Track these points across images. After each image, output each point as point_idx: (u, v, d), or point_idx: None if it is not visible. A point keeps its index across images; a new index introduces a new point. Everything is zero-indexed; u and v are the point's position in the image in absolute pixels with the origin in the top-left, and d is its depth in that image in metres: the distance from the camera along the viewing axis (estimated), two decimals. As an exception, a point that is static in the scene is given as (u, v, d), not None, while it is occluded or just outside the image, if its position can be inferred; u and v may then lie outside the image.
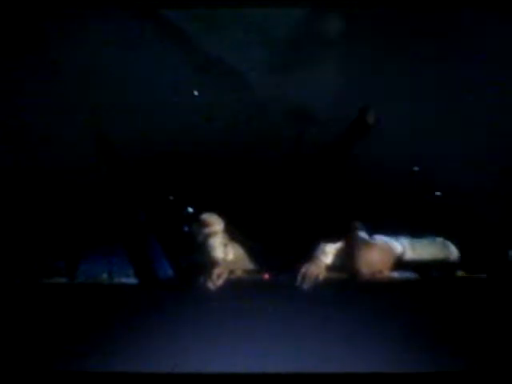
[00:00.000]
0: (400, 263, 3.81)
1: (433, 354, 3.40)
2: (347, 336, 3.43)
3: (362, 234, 3.84)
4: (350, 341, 3.42)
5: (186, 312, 3.56)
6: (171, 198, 3.98)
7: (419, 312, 3.53)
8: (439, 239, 3.89)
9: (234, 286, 3.70)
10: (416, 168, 4.04)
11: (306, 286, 3.65)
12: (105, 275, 3.89)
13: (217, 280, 3.67)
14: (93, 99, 3.98)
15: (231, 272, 3.75)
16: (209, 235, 3.86)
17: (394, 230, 3.86)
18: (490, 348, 3.44)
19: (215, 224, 3.88)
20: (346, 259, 3.76)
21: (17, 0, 3.85)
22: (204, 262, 3.79)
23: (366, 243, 3.80)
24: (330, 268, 3.74)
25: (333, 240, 3.81)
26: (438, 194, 4.04)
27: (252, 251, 3.84)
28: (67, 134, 3.98)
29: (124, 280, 3.87)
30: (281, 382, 3.38)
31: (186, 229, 3.92)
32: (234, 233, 3.82)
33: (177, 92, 3.99)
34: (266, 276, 3.61)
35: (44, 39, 3.98)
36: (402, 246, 3.83)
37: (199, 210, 3.91)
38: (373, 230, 3.87)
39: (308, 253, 3.75)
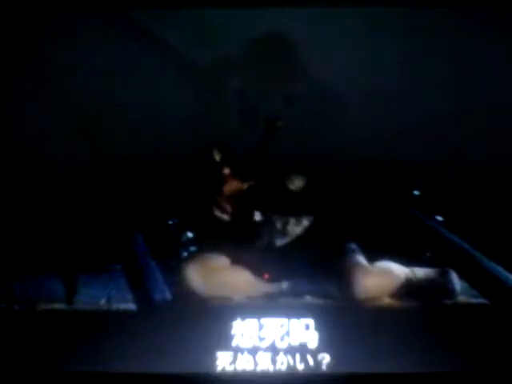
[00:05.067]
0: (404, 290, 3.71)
1: (432, 354, 3.42)
2: (347, 336, 3.46)
3: (360, 258, 3.75)
4: (350, 341, 3.45)
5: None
6: (170, 222, 4.06)
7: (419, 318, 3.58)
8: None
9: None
10: (416, 192, 4.11)
11: None
12: (103, 301, 3.91)
13: None
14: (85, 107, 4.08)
15: None
16: None
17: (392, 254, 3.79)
18: (489, 349, 3.46)
19: None
20: (342, 284, 3.68)
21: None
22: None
23: (363, 268, 3.68)
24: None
25: (327, 262, 3.77)
26: (439, 218, 4.09)
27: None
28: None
29: (122, 306, 3.88)
30: (282, 382, 3.38)
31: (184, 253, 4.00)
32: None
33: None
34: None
35: (35, 38, 4.09)
36: (405, 273, 3.70)
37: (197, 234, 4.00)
38: (370, 254, 3.77)
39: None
